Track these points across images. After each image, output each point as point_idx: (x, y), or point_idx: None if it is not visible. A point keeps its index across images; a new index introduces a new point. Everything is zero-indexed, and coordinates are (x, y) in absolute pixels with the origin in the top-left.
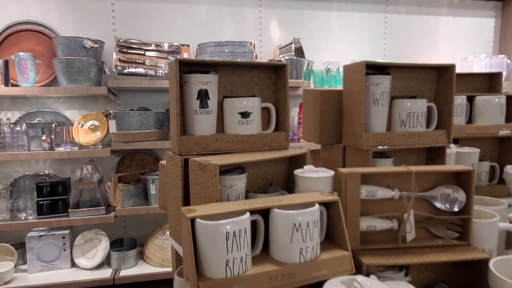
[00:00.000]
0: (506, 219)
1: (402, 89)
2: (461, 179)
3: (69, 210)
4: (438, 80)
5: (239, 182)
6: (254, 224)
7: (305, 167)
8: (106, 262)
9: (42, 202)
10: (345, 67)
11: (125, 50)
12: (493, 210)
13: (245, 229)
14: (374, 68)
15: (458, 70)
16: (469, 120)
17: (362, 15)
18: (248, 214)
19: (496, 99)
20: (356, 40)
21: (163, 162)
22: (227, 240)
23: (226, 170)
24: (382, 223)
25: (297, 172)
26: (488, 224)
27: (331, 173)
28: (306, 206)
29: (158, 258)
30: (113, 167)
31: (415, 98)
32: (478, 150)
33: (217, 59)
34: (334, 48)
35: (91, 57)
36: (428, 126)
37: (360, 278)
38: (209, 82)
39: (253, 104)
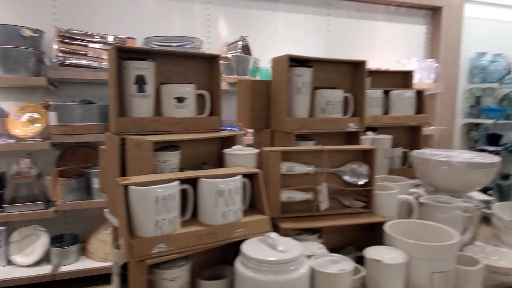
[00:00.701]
0: (407, 193)
1: (323, 80)
2: (366, 156)
3: (4, 205)
4: (353, 74)
5: (172, 158)
6: (185, 194)
7: (234, 147)
8: (45, 258)
9: None
10: (273, 59)
11: (67, 40)
12: (397, 186)
13: (174, 194)
14: (299, 61)
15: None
16: (386, 112)
17: (307, 16)
18: (177, 182)
19: (407, 94)
20: (302, 40)
21: (104, 146)
22: (156, 203)
23: (162, 148)
24: (300, 195)
25: (226, 150)
26: (389, 195)
27: (255, 151)
28: (230, 176)
29: (101, 253)
30: (54, 161)
31: (335, 89)
32: (390, 136)
33: (154, 48)
34: (280, 48)
35: (29, 47)
36: (345, 113)
37: (273, 234)
38: (146, 68)
39: (188, 90)
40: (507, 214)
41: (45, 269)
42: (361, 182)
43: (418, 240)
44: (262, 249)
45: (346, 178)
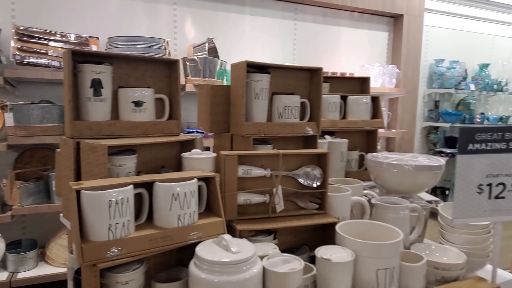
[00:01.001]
0: (361, 194)
1: (281, 86)
2: (320, 160)
3: None
4: (311, 80)
5: (128, 162)
6: (141, 197)
7: (192, 150)
8: (1, 265)
9: None
10: (232, 65)
11: (25, 38)
12: (350, 187)
13: (127, 198)
14: (257, 67)
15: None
16: (344, 116)
17: (274, 20)
18: (131, 186)
19: (364, 99)
20: (269, 43)
21: (59, 150)
22: (109, 207)
23: (118, 152)
24: (256, 197)
25: (184, 154)
26: (342, 197)
27: (212, 155)
28: (186, 180)
29: (61, 258)
30: (10, 164)
31: (292, 94)
32: (346, 140)
33: (110, 52)
34: (247, 51)
35: None
36: (303, 118)
37: (227, 236)
38: (102, 72)
39: (146, 94)
40: (450, 214)
41: (1, 276)
42: (315, 185)
43: (367, 239)
44: (216, 250)
45: (301, 180)
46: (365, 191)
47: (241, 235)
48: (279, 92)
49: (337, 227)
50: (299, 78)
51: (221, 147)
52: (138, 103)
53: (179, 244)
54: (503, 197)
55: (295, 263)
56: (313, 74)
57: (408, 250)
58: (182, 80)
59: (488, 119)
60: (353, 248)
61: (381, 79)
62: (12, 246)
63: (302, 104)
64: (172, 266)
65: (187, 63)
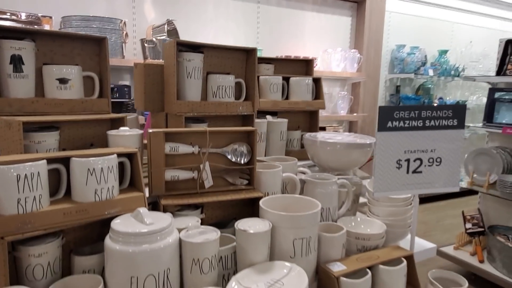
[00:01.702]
0: (296, 172)
1: (217, 66)
2: (249, 138)
3: None
4: (247, 61)
5: (48, 138)
6: (59, 173)
7: (120, 128)
8: None
9: None
10: (164, 44)
11: None
12: (285, 165)
13: (38, 173)
14: (190, 47)
15: (319, 61)
16: (287, 98)
17: (237, 3)
18: (43, 161)
19: (306, 81)
20: (232, 27)
21: None
22: (18, 181)
23: (41, 128)
24: (185, 173)
25: (109, 132)
26: (272, 173)
27: (137, 132)
28: (104, 155)
29: None
30: None
31: (228, 74)
32: (286, 120)
33: (33, 28)
34: (210, 34)
35: None
36: (239, 98)
37: (142, 209)
38: (23, 48)
39: (71, 72)
40: None
41: None
42: (242, 161)
43: (290, 213)
44: (132, 223)
45: (229, 157)
46: (300, 169)
47: (165, 209)
48: (214, 71)
49: (260, 201)
50: (234, 58)
51: (157, 126)
52: (63, 80)
53: (95, 218)
54: (420, 172)
55: (211, 234)
56: (248, 54)
57: (333, 222)
58: (140, 61)
59: (445, 103)
60: (272, 220)
61: (343, 64)
62: None
63: (238, 84)
64: (94, 241)
65: (146, 45)
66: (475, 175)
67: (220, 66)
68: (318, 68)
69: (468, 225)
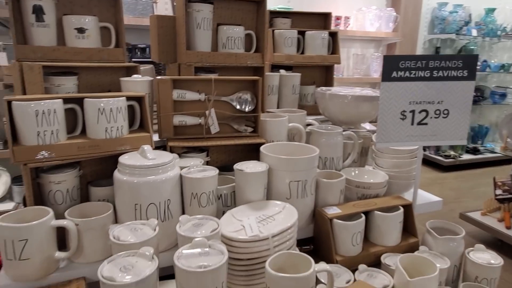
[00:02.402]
0: (304, 123)
1: (227, 17)
2: (255, 87)
3: None
4: (257, 12)
5: (67, 82)
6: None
7: (133, 75)
8: (8, 197)
9: None
10: None
11: None
12: (293, 116)
13: (55, 110)
14: None
15: (352, 20)
16: (303, 52)
17: None
18: (60, 100)
19: (322, 35)
20: None
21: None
22: (36, 116)
23: (61, 73)
24: (191, 119)
25: (122, 78)
26: (277, 122)
27: (147, 78)
28: (115, 97)
29: None
30: None
31: (239, 25)
32: (298, 74)
33: None
34: None
35: None
36: (249, 50)
37: (146, 146)
38: None
39: (89, 22)
40: None
41: (8, 206)
42: (247, 109)
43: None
44: (138, 158)
45: (234, 104)
46: (308, 121)
47: (172, 151)
48: (224, 23)
49: (262, 147)
50: (245, 9)
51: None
52: (81, 30)
53: (106, 153)
54: (425, 124)
55: (210, 172)
56: (259, 5)
57: (335, 171)
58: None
59: (489, 66)
60: (270, 163)
61: (378, 23)
62: (17, 179)
63: (248, 36)
64: (108, 176)
65: (174, 4)
66: (508, 139)
67: (230, 18)
68: (351, 27)
69: (498, 191)
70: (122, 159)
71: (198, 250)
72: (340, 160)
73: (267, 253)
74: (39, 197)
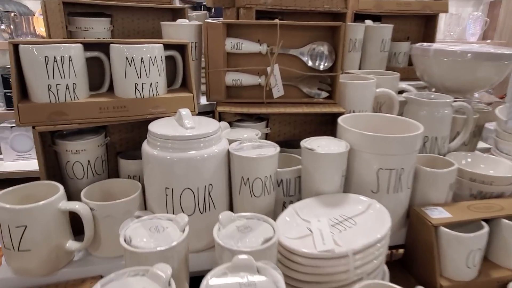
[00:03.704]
0: (396, 89)
1: None
2: (334, 37)
3: None
4: None
5: (95, 25)
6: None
7: (178, 20)
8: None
9: (9, 94)
10: None
11: None
12: (382, 79)
13: (70, 57)
14: None
15: None
16: None
17: None
18: (78, 45)
19: None
20: None
21: None
22: (46, 65)
23: (90, 14)
24: (249, 78)
25: (163, 22)
26: (361, 85)
27: (195, 23)
28: (149, 43)
29: None
30: None
31: None
32: (390, 25)
33: None
34: None
35: None
36: None
37: (184, 110)
38: None
39: None
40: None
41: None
42: (322, 66)
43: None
44: (172, 126)
45: (305, 60)
46: (403, 86)
47: (222, 118)
48: None
49: (340, 118)
50: None
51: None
52: None
53: (135, 117)
54: None
55: (268, 150)
56: None
57: (440, 156)
58: None
59: None
60: (352, 141)
61: None
62: None
63: None
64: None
65: None
66: None
67: None
68: None
69: None
70: (153, 126)
71: (238, 279)
72: (446, 141)
73: (345, 276)
74: (58, 169)
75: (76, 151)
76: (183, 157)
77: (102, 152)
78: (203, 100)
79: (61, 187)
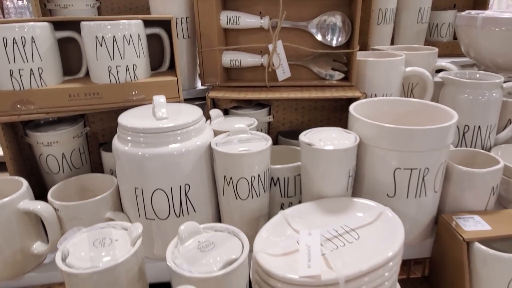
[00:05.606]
0: (432, 68)
1: None
2: (351, 7)
3: None
4: None
5: (76, 1)
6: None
7: None
8: None
9: None
10: None
11: None
12: (412, 55)
13: (32, 38)
14: None
15: None
16: None
17: None
18: (44, 23)
19: None
20: None
21: None
22: (5, 47)
23: None
24: (249, 58)
25: None
26: (383, 63)
27: None
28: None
29: None
30: None
31: None
32: None
33: None
34: None
35: None
36: None
37: (158, 97)
38: None
39: None
40: None
41: None
42: (334, 42)
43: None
44: (146, 116)
45: (314, 33)
46: (442, 63)
47: (216, 104)
48: None
49: (352, 104)
50: None
51: None
52: None
53: (110, 105)
54: None
55: (257, 144)
56: None
57: (483, 151)
58: None
59: None
60: (363, 133)
61: None
62: None
63: None
64: None
65: None
66: None
67: None
68: None
69: None
70: (123, 117)
71: None
72: (493, 131)
73: None
74: (34, 162)
75: (48, 143)
76: (153, 153)
77: (80, 143)
78: (199, 85)
79: (25, 183)
